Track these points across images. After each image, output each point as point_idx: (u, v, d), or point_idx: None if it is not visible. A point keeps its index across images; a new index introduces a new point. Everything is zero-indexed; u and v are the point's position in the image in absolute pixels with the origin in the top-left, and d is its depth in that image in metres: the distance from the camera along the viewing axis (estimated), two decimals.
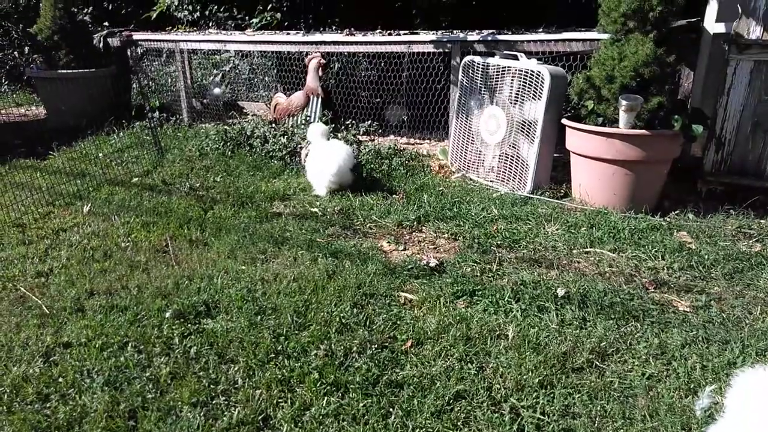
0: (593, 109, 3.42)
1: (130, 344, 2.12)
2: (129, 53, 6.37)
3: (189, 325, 2.24)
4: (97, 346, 2.10)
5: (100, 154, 4.74)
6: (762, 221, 3.18)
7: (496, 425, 1.72)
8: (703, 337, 2.12)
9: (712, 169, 3.57)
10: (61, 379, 1.94)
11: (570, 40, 4.07)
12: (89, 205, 3.55)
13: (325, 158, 3.77)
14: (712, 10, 3.67)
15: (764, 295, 2.44)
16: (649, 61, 3.16)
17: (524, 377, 1.91)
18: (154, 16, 6.59)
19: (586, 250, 2.88)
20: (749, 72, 3.33)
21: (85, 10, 7.52)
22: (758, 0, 3.23)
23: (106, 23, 7.15)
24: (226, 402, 1.83)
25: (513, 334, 2.15)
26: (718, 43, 3.65)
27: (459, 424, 1.73)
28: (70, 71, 5.84)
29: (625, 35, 3.32)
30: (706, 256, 2.74)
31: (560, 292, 2.40)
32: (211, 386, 1.89)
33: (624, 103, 3.16)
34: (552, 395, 1.84)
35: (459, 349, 2.06)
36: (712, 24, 3.69)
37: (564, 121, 3.55)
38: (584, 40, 4.01)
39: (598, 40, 3.76)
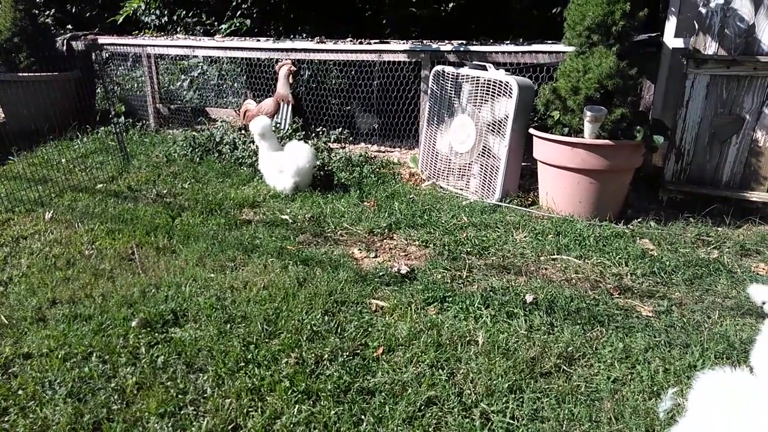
0: (559, 119, 3.50)
1: (94, 354, 2.06)
2: (94, 57, 6.23)
3: (156, 334, 2.20)
4: (59, 356, 2.04)
5: (63, 160, 4.62)
6: (719, 229, 3.31)
7: (467, 430, 1.74)
8: (666, 341, 2.19)
9: (673, 179, 3.69)
10: (20, 392, 1.88)
11: (537, 52, 4.17)
12: (51, 211, 3.45)
13: (286, 159, 3.87)
14: (671, 25, 3.81)
15: (722, 300, 2.53)
16: (612, 74, 3.26)
17: (494, 382, 1.93)
18: (120, 20, 6.46)
19: (553, 257, 2.94)
20: (706, 86, 3.47)
21: (48, 12, 7.34)
22: (713, 17, 3.37)
23: (70, 26, 6.99)
24: (194, 412, 1.80)
25: (483, 339, 2.18)
26: (677, 58, 3.79)
27: (430, 430, 1.74)
28: (31, 74, 5.68)
29: (589, 48, 3.41)
30: (668, 263, 2.83)
31: (528, 298, 2.45)
32: (179, 396, 1.86)
33: (589, 114, 3.25)
34: (521, 400, 1.87)
35: (430, 355, 2.07)
36: (671, 39, 3.83)
37: (531, 130, 3.63)
38: (551, 52, 4.11)
39: (563, 52, 3.86)
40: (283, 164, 3.87)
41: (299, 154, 3.85)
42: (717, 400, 1.30)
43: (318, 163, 4.21)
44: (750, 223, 3.38)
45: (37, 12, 6.22)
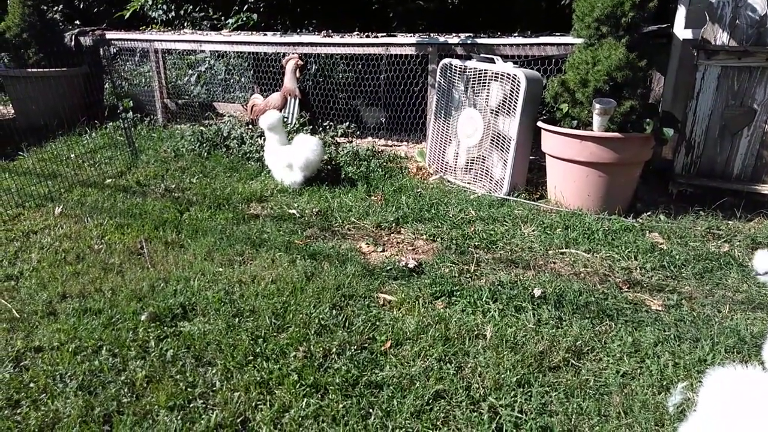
0: (568, 112, 3.48)
1: (104, 348, 2.08)
2: (102, 52, 6.25)
3: (165, 327, 2.21)
4: (70, 350, 2.05)
5: (72, 155, 4.64)
6: (730, 222, 3.28)
7: (475, 424, 1.73)
8: (675, 335, 2.17)
9: (683, 172, 3.66)
10: (32, 384, 1.89)
11: (545, 44, 4.13)
12: (61, 206, 3.48)
13: (295, 153, 3.89)
14: (681, 16, 3.77)
15: (733, 293, 2.51)
16: (621, 65, 3.23)
17: (502, 376, 1.93)
18: (128, 15, 6.48)
19: (562, 250, 2.93)
20: (717, 77, 3.43)
21: (56, 8, 7.36)
22: (724, 8, 3.33)
23: (78, 22, 7.02)
24: (203, 405, 1.81)
25: (491, 333, 2.17)
26: (687, 49, 3.74)
27: (438, 423, 1.74)
28: (40, 70, 5.71)
29: (598, 40, 3.38)
30: (677, 257, 2.80)
31: (537, 292, 2.44)
32: (189, 389, 1.87)
33: (598, 106, 3.22)
34: (529, 394, 1.86)
35: (438, 349, 2.07)
36: (681, 30, 3.79)
37: (539, 123, 3.60)
38: (559, 45, 4.08)
39: (572, 44, 3.83)
40: (293, 158, 3.87)
41: (308, 147, 3.85)
42: (728, 396, 1.29)
43: (325, 157, 4.22)
44: (761, 216, 3.35)
45: (45, 8, 6.23)
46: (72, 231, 3.14)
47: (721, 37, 3.37)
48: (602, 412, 1.79)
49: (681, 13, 3.76)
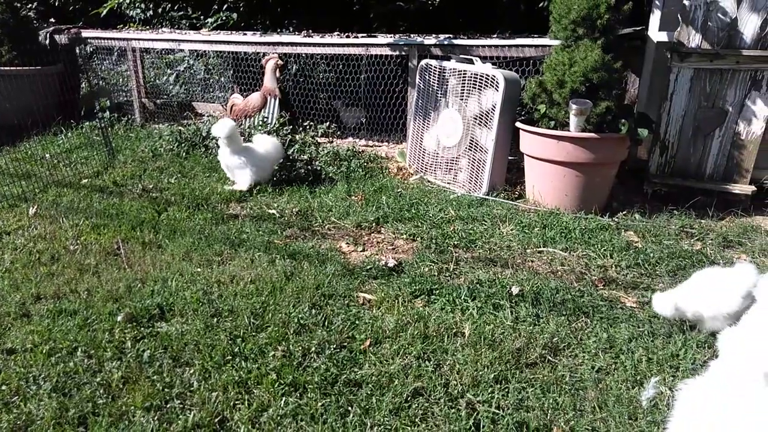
0: (545, 112, 3.52)
1: (79, 349, 2.05)
2: (77, 51, 6.15)
3: (142, 328, 2.19)
4: (44, 351, 2.02)
5: (47, 155, 4.56)
6: (703, 221, 3.35)
7: (453, 420, 1.75)
8: (649, 331, 2.21)
9: (657, 172, 3.73)
10: (4, 387, 1.86)
11: (523, 46, 4.18)
12: (35, 207, 3.41)
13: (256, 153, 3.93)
14: (655, 19, 3.84)
15: None
16: (597, 67, 3.28)
17: (480, 373, 1.95)
18: (104, 12, 6.39)
19: (539, 249, 2.97)
20: (690, 79, 3.50)
21: (30, 5, 7.23)
22: (697, 11, 3.40)
23: (53, 19, 6.89)
24: (181, 405, 1.79)
25: (469, 331, 2.19)
26: (661, 51, 3.82)
27: (417, 420, 1.75)
28: (13, 68, 5.60)
29: (575, 41, 3.43)
30: (652, 255, 2.86)
31: (514, 290, 2.46)
32: (166, 390, 1.85)
33: (574, 107, 3.27)
34: (507, 390, 1.89)
35: (417, 347, 2.08)
36: (655, 32, 3.86)
37: (518, 124, 3.64)
38: (537, 46, 4.13)
39: (549, 46, 3.88)
40: (257, 155, 3.90)
41: (268, 147, 3.89)
42: None
43: (305, 157, 4.21)
44: (732, 215, 3.43)
45: (18, 5, 6.12)
46: (47, 232, 3.09)
47: (693, 40, 3.45)
48: (577, 406, 1.82)
49: (655, 15, 3.83)
